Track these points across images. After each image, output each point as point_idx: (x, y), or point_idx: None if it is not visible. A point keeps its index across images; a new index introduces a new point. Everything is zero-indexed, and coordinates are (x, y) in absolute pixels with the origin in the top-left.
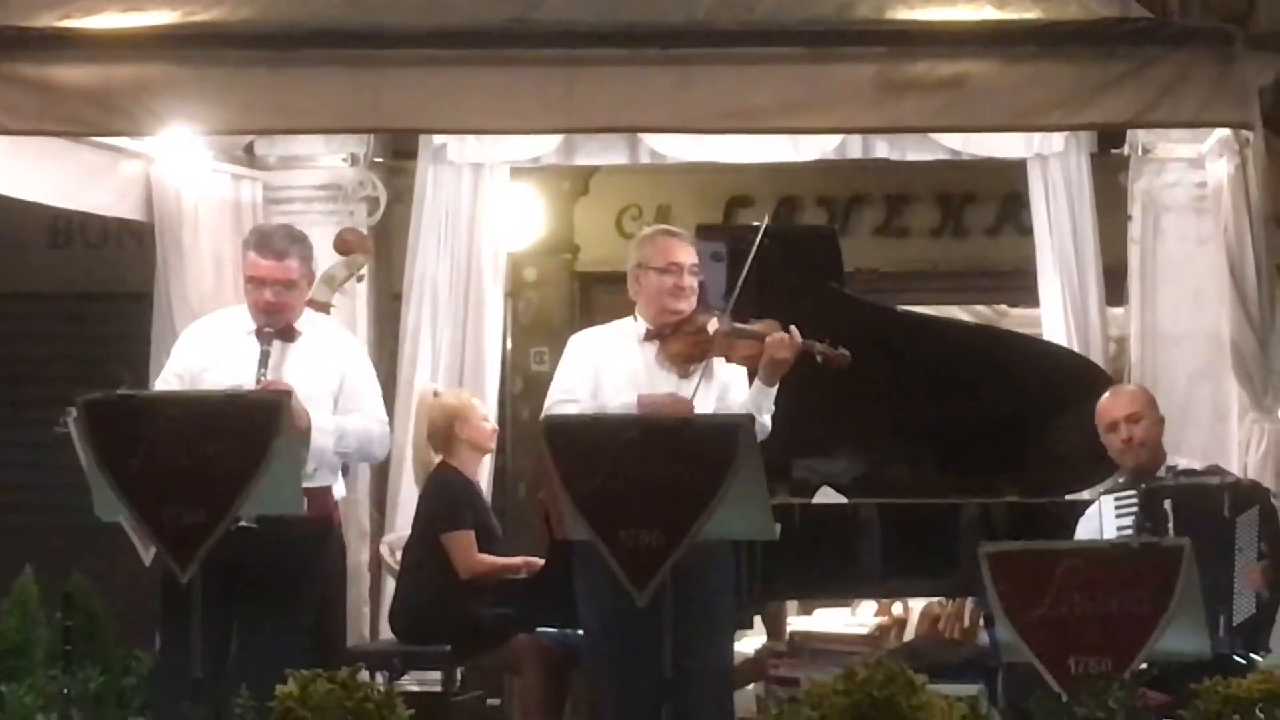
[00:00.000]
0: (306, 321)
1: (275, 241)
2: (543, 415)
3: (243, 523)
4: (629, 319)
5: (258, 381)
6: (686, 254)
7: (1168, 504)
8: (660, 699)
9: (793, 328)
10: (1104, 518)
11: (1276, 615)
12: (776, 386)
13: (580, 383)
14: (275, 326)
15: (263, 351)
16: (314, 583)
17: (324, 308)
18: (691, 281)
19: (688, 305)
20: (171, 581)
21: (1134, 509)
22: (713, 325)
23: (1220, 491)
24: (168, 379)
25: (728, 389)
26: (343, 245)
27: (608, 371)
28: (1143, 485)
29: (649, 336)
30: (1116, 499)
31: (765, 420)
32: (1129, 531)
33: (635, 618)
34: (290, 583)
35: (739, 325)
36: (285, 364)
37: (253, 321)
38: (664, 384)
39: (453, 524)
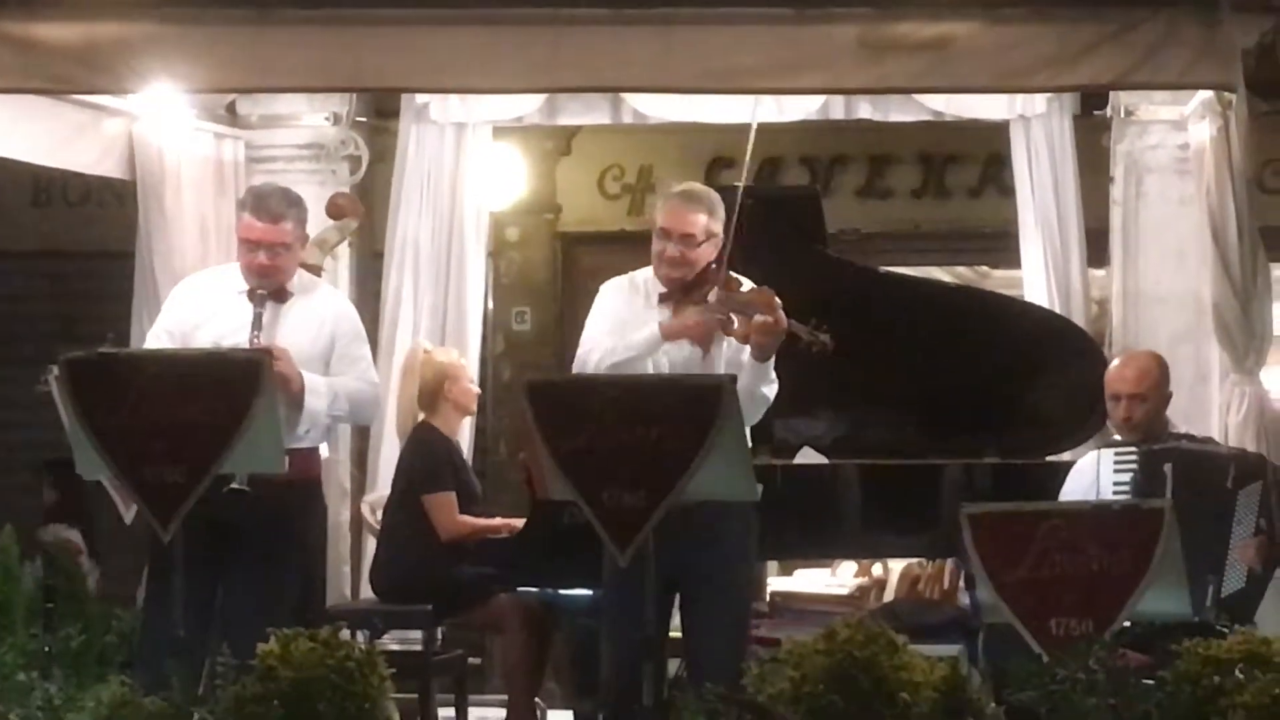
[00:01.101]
0: (298, 283)
1: (272, 204)
2: (574, 365)
3: (234, 485)
4: (649, 268)
5: (251, 343)
6: (682, 222)
7: (1168, 467)
8: (646, 657)
9: (778, 304)
10: (1101, 471)
11: (1264, 592)
12: (771, 360)
13: (608, 334)
14: (268, 288)
15: (255, 313)
16: (298, 542)
17: (315, 270)
18: (681, 250)
19: (679, 273)
20: (159, 539)
21: (1133, 466)
22: (713, 296)
23: (1226, 462)
24: (159, 334)
25: (739, 349)
26: (334, 209)
27: (631, 327)
28: (1144, 445)
29: (663, 299)
30: (1117, 454)
31: (767, 392)
32: (1125, 488)
33: (644, 580)
34: (275, 542)
35: (737, 299)
36: (278, 326)
37: (244, 282)
38: (680, 349)
39: (433, 485)
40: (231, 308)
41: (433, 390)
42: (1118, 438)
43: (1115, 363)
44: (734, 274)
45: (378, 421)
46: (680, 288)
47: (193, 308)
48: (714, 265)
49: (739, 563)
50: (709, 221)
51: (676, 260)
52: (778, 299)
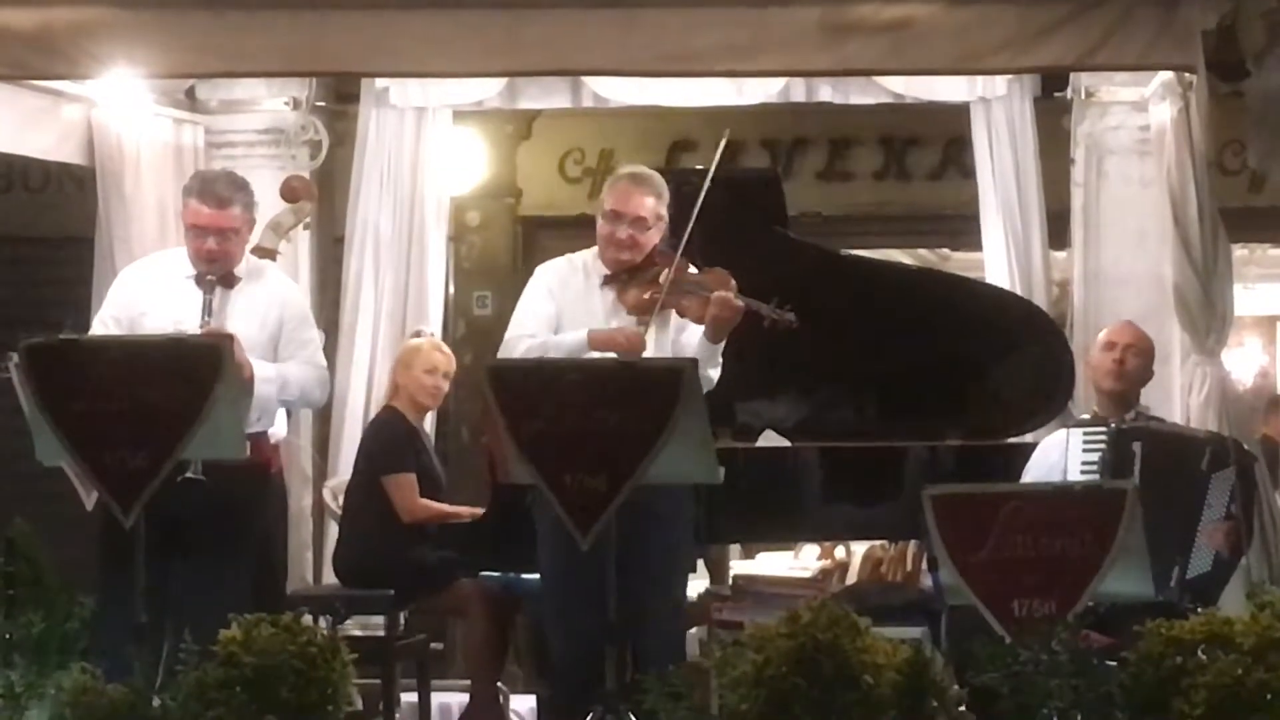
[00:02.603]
0: (245, 268)
1: (218, 189)
2: (501, 349)
3: (189, 474)
4: (594, 250)
5: (201, 329)
6: (633, 205)
7: (1137, 446)
8: (605, 641)
9: (733, 286)
10: (1070, 450)
11: (1230, 577)
12: (723, 343)
13: (539, 321)
14: (216, 274)
15: (205, 299)
16: (253, 528)
17: (270, 254)
18: (631, 233)
19: (627, 256)
20: (111, 528)
21: (1102, 445)
22: (664, 275)
23: (1202, 445)
24: (104, 321)
25: (682, 332)
26: (289, 192)
27: (569, 312)
28: (1112, 424)
29: (607, 281)
30: (1086, 433)
31: (711, 374)
32: (1094, 468)
33: (590, 560)
34: (228, 528)
35: (688, 275)
36: (227, 312)
37: (192, 267)
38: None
39: (393, 466)
40: (179, 293)
41: (394, 375)
42: (1085, 417)
43: (1112, 325)
44: (683, 257)
45: (339, 407)
46: (626, 271)
47: (139, 294)
48: (662, 248)
49: (676, 540)
50: (657, 204)
51: (626, 243)
52: (733, 280)
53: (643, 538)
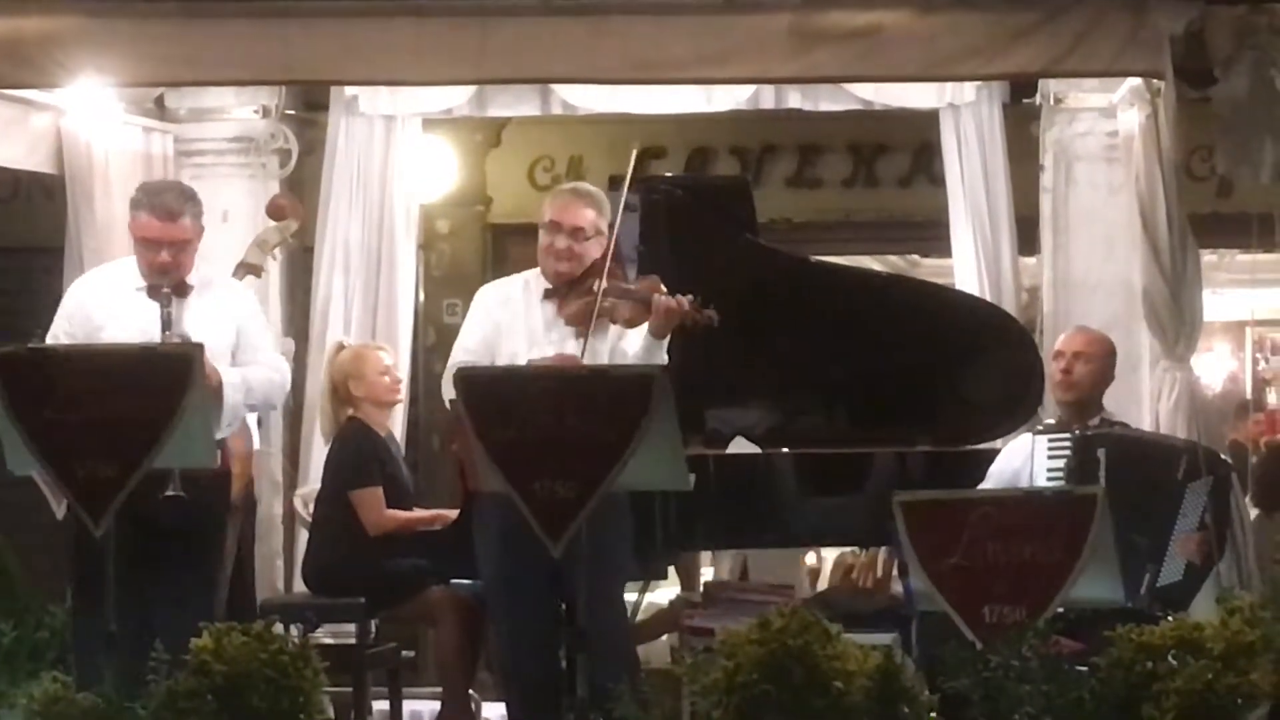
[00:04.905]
0: (196, 276)
1: (169, 201)
2: (444, 374)
3: (169, 492)
4: (537, 269)
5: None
6: (572, 216)
7: (1101, 452)
8: (571, 650)
9: (663, 290)
10: (1035, 456)
11: (1201, 585)
12: (667, 340)
13: (479, 342)
14: (168, 284)
15: (165, 312)
16: (216, 531)
17: (256, 270)
18: (570, 244)
19: (566, 267)
20: (82, 539)
21: (1066, 452)
22: (601, 285)
23: (1178, 454)
24: (56, 336)
25: (621, 337)
26: (276, 210)
27: (508, 328)
28: (1076, 430)
29: (547, 295)
30: (1051, 439)
31: None
32: (1059, 475)
33: (530, 569)
34: (190, 533)
35: (624, 286)
36: (184, 321)
37: (142, 279)
38: (561, 341)
39: (360, 480)
40: (133, 306)
41: (342, 390)
42: (1050, 422)
43: (1066, 333)
44: (616, 264)
45: (310, 414)
46: (565, 283)
47: (91, 309)
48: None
49: (612, 542)
50: (596, 218)
51: (564, 254)
52: (662, 285)
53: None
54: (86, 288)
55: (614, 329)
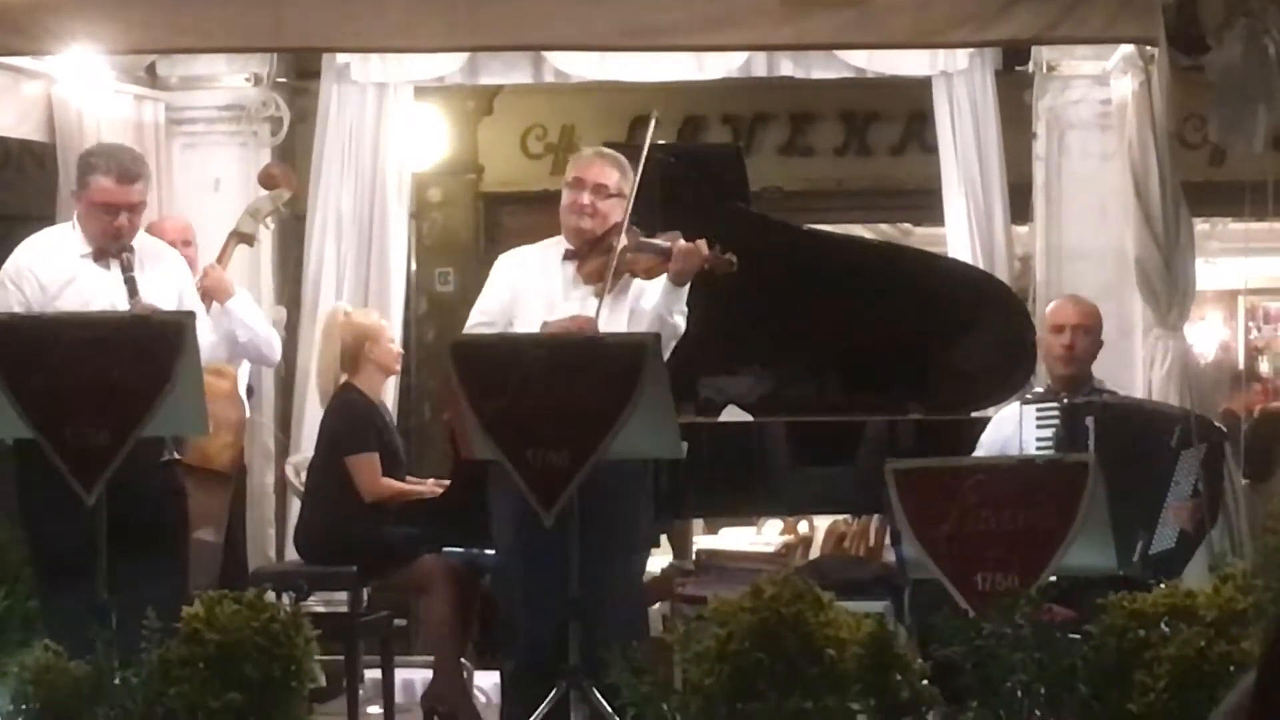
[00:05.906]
0: (138, 240)
1: (127, 163)
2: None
3: (165, 457)
4: (558, 236)
5: (132, 307)
6: (596, 173)
7: (1089, 421)
8: (568, 617)
9: (691, 241)
10: (1023, 426)
11: (1194, 553)
12: (687, 287)
13: (496, 306)
14: (118, 250)
15: (128, 277)
16: (176, 512)
17: (248, 239)
18: (593, 200)
19: (589, 224)
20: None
21: (1055, 421)
22: (621, 243)
23: (1171, 422)
24: (9, 306)
25: (639, 297)
26: (267, 179)
27: (526, 293)
28: (1065, 399)
29: (568, 256)
30: (1039, 409)
31: (677, 321)
32: (1048, 444)
33: (548, 536)
34: (148, 519)
35: (644, 239)
36: (143, 286)
37: (86, 245)
38: (580, 301)
39: (356, 446)
40: (85, 274)
41: (354, 352)
42: (1039, 390)
43: (1058, 302)
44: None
45: (302, 383)
46: (586, 244)
47: (45, 280)
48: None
49: (633, 515)
50: (620, 179)
51: (586, 209)
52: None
53: (599, 513)
54: (32, 253)
55: (633, 290)
